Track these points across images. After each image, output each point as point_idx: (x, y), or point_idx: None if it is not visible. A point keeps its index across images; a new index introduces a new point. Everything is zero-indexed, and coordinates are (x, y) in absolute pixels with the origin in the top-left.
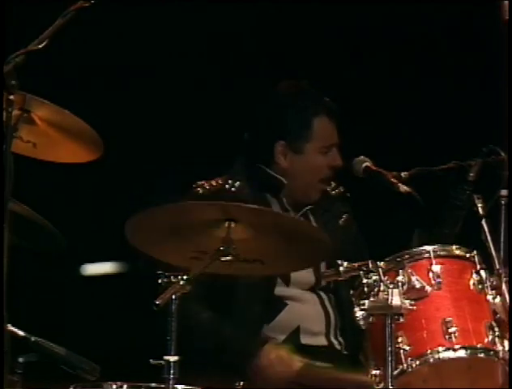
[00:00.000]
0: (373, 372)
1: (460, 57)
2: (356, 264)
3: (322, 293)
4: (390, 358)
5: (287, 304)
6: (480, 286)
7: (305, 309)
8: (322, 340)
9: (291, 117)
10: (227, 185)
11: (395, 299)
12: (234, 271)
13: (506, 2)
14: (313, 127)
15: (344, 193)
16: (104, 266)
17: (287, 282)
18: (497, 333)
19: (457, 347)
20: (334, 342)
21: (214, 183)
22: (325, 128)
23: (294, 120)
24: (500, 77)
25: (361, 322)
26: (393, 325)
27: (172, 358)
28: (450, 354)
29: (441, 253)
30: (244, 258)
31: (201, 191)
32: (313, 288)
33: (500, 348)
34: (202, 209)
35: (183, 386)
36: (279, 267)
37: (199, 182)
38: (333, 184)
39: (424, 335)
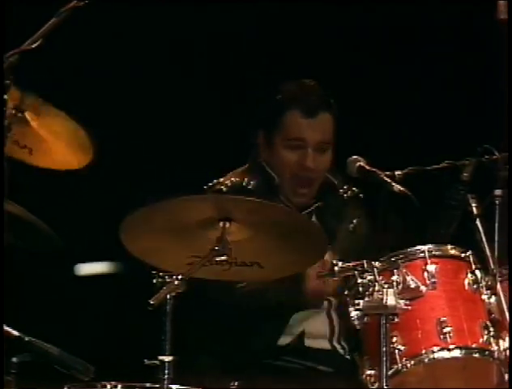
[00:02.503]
0: (368, 372)
1: (460, 57)
2: (350, 264)
3: (330, 298)
4: (384, 358)
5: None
6: (474, 286)
7: (310, 313)
8: (325, 344)
9: (269, 109)
10: (244, 183)
11: (390, 299)
12: (232, 277)
13: (502, 2)
14: (283, 119)
15: (357, 194)
16: (99, 266)
17: None
18: (491, 333)
19: (452, 347)
20: (337, 346)
21: (233, 179)
22: (294, 122)
23: (270, 111)
24: (499, 77)
25: (356, 323)
26: (388, 325)
27: (167, 358)
28: (445, 354)
29: (436, 253)
30: (241, 261)
31: (224, 189)
32: None
33: (495, 348)
34: (196, 204)
35: (177, 386)
36: (277, 269)
37: (218, 180)
38: (346, 187)
39: (419, 335)
